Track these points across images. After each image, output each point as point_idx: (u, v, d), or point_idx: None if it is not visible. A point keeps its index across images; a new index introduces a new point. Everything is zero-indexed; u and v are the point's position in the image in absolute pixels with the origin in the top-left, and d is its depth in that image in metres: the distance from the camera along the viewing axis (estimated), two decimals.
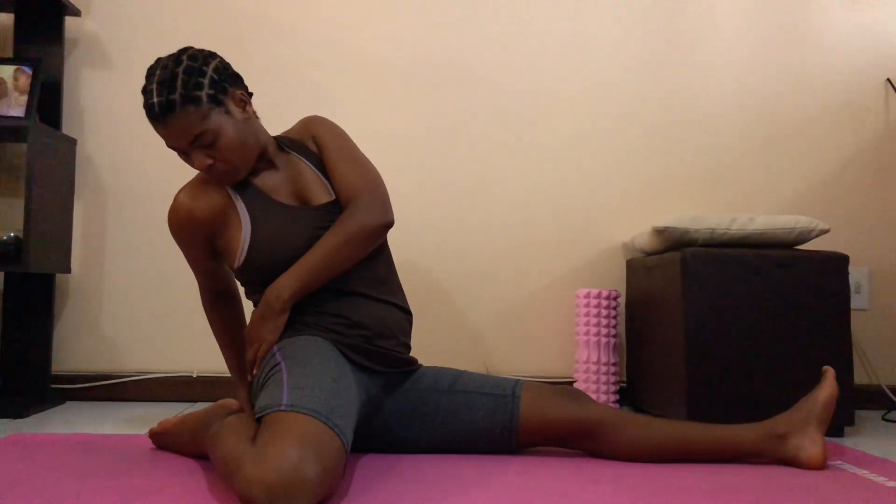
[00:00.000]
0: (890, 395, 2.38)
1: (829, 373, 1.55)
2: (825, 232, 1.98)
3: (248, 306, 2.13)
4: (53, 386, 2.30)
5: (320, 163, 1.60)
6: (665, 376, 1.99)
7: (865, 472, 1.48)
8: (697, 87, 2.48)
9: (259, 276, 1.52)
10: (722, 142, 2.47)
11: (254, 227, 1.50)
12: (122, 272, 2.36)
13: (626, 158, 2.46)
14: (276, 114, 2.35)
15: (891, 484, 1.38)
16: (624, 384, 2.37)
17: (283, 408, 1.21)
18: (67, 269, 2.26)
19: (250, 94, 1.55)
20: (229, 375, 1.99)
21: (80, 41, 2.39)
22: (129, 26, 2.39)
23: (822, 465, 1.47)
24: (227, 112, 1.46)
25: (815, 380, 1.81)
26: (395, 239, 2.38)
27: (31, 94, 2.18)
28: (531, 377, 2.38)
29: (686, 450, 1.51)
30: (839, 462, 1.57)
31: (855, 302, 2.42)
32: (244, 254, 1.50)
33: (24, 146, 2.32)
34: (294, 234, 1.50)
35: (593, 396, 2.21)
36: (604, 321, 2.24)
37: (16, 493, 1.21)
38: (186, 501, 1.18)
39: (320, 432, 1.17)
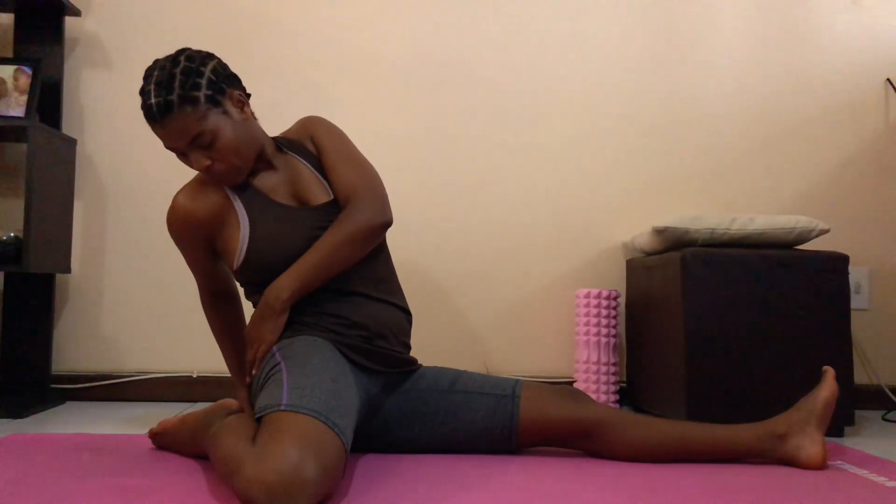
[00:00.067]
0: (890, 395, 2.38)
1: (829, 373, 1.55)
2: (825, 232, 1.98)
3: (247, 307, 2.13)
4: (53, 386, 2.30)
5: (319, 163, 1.60)
6: (665, 376, 1.99)
7: (865, 472, 1.48)
8: (697, 87, 2.48)
9: (258, 277, 1.52)
10: (722, 142, 2.47)
11: (252, 228, 1.50)
12: (122, 272, 2.36)
13: (626, 158, 2.46)
14: (276, 114, 2.35)
15: (891, 484, 1.38)
16: (624, 384, 2.37)
17: (282, 408, 1.21)
18: (67, 269, 2.26)
19: (248, 95, 1.55)
20: (229, 375, 1.99)
21: (80, 41, 2.39)
22: (129, 26, 2.40)
23: (822, 465, 1.47)
24: (225, 112, 1.46)
25: (815, 380, 1.80)
26: (395, 239, 2.38)
27: (31, 94, 2.18)
28: (531, 377, 2.38)
29: (686, 450, 1.51)
30: (839, 462, 1.57)
31: (855, 302, 2.42)
32: (243, 254, 1.50)
33: (24, 146, 2.32)
34: (293, 234, 1.50)
35: (593, 396, 2.21)
36: (604, 321, 2.24)
37: (16, 493, 1.21)
38: (186, 501, 1.18)
39: (320, 432, 1.17)
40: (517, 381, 1.59)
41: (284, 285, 1.46)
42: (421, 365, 1.65)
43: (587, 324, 2.25)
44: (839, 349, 1.87)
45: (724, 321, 1.86)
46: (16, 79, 2.19)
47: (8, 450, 1.55)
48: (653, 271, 2.11)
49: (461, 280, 2.41)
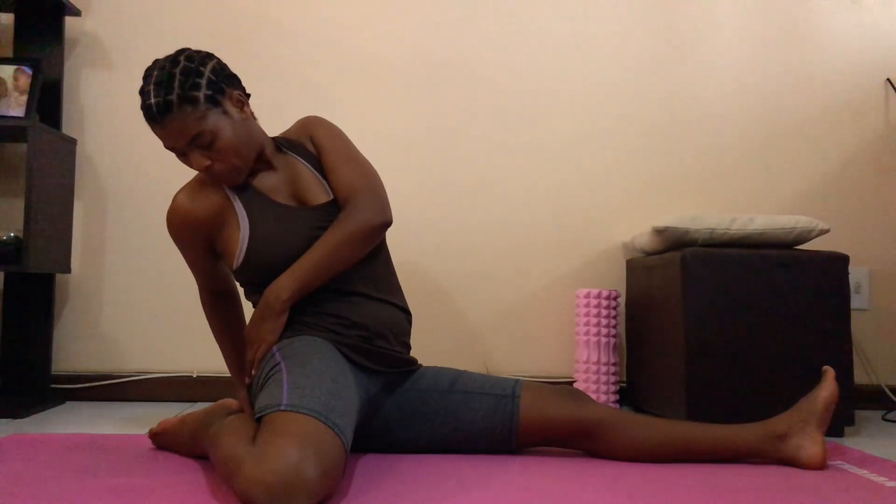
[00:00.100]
0: (890, 395, 2.38)
1: (829, 373, 1.55)
2: (825, 232, 1.98)
3: (247, 307, 2.13)
4: (53, 386, 2.30)
5: (318, 163, 1.60)
6: (665, 376, 1.99)
7: (865, 472, 1.48)
8: (697, 87, 2.48)
9: (258, 277, 1.52)
10: (722, 142, 2.47)
11: (252, 228, 1.50)
12: (122, 272, 2.36)
13: (626, 158, 2.46)
14: (276, 114, 2.35)
15: (891, 484, 1.38)
16: (624, 384, 2.37)
17: (282, 408, 1.21)
18: (67, 269, 2.26)
19: (248, 95, 1.55)
20: (229, 375, 1.99)
21: (80, 41, 2.39)
22: (129, 26, 2.39)
23: (822, 465, 1.47)
24: (225, 112, 1.46)
25: (815, 380, 1.80)
26: (395, 239, 2.38)
27: (31, 94, 2.18)
28: (531, 377, 2.38)
29: (686, 450, 1.51)
30: (839, 462, 1.57)
31: (855, 302, 2.42)
32: (243, 254, 1.50)
33: (24, 146, 2.33)
34: (292, 234, 1.50)
35: (593, 396, 2.21)
36: (604, 321, 2.24)
37: (16, 493, 1.21)
38: (186, 501, 1.18)
39: (320, 432, 1.17)
40: (517, 381, 1.59)
41: (284, 285, 1.46)
42: (421, 365, 1.65)
43: (587, 324, 2.25)
44: (839, 349, 1.87)
45: (724, 321, 1.86)
46: (16, 79, 2.19)
47: (8, 450, 1.55)
48: (653, 271, 2.11)
49: (461, 280, 2.41)
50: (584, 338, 2.25)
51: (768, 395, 1.84)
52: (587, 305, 2.26)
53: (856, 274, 2.44)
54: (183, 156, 1.48)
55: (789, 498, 1.26)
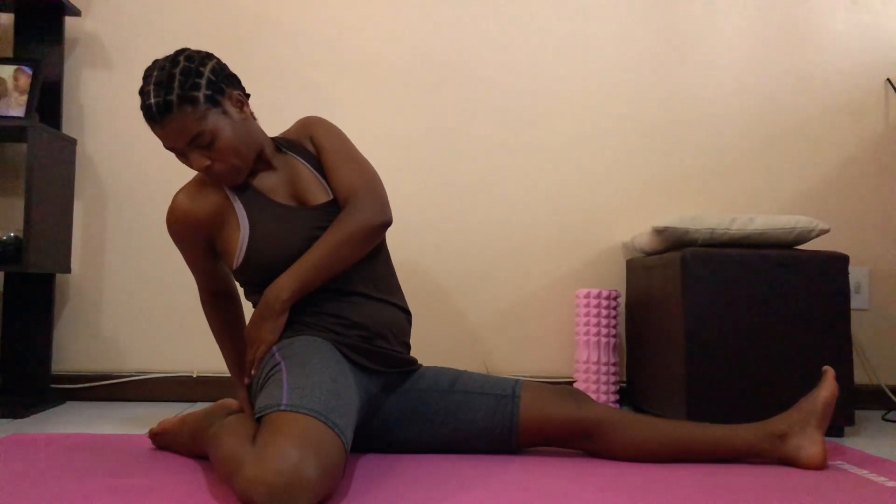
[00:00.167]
0: (890, 395, 2.38)
1: (829, 373, 1.55)
2: (825, 232, 1.98)
3: (247, 307, 2.13)
4: (53, 386, 2.30)
5: (318, 163, 1.60)
6: (665, 376, 1.99)
7: (865, 472, 1.48)
8: (697, 87, 2.48)
9: (258, 277, 1.52)
10: (722, 142, 2.47)
11: (252, 228, 1.50)
12: (122, 272, 2.36)
13: (626, 158, 2.46)
14: (276, 114, 2.35)
15: (891, 484, 1.38)
16: (624, 384, 2.37)
17: (282, 408, 1.21)
18: (67, 269, 2.26)
19: (248, 95, 1.55)
20: (229, 375, 1.99)
21: (80, 41, 2.39)
22: (129, 26, 2.40)
23: (822, 465, 1.47)
24: (225, 112, 1.46)
25: (815, 380, 1.80)
26: (394, 239, 2.38)
27: (31, 94, 2.18)
28: (531, 377, 2.38)
29: (686, 450, 1.51)
30: (839, 462, 1.57)
31: (855, 302, 2.42)
32: (242, 254, 1.50)
33: (24, 146, 2.33)
34: (292, 234, 1.50)
35: (593, 396, 2.21)
36: (604, 321, 2.24)
37: (16, 493, 1.21)
38: (186, 501, 1.18)
39: (320, 432, 1.17)
40: (517, 381, 1.59)
41: (284, 285, 1.46)
42: (421, 365, 1.65)
43: (587, 324, 2.25)
44: (839, 349, 1.87)
45: (724, 321, 1.86)
46: (16, 79, 2.19)
47: (8, 450, 1.55)
48: (653, 271, 2.11)
49: (461, 280, 2.41)
50: (584, 338, 2.25)
51: (768, 395, 1.84)
52: (587, 305, 2.26)
53: (856, 274, 2.44)
54: (183, 156, 1.48)
55: (789, 498, 1.26)
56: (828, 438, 1.81)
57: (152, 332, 2.35)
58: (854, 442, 1.84)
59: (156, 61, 1.45)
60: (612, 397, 2.24)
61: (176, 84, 1.39)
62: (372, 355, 1.52)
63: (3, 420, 1.97)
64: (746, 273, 1.88)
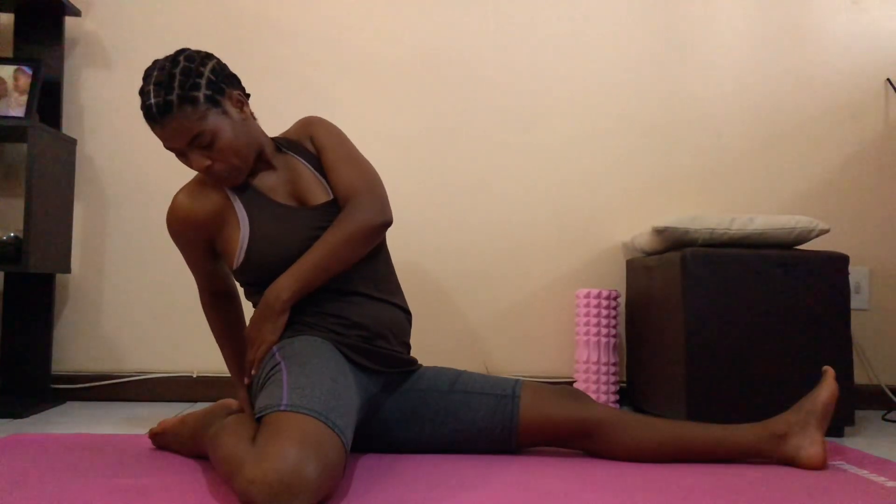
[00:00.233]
0: (890, 395, 2.38)
1: (829, 373, 1.55)
2: (825, 232, 1.98)
3: (247, 307, 2.13)
4: (53, 386, 2.30)
5: (318, 163, 1.60)
6: (665, 376, 1.99)
7: (865, 472, 1.48)
8: (697, 87, 2.48)
9: (258, 277, 1.52)
10: (722, 142, 2.47)
11: (252, 228, 1.50)
12: (122, 272, 2.36)
13: (626, 158, 2.46)
14: (276, 114, 2.35)
15: (891, 484, 1.38)
16: (624, 384, 2.37)
17: (282, 408, 1.21)
18: (67, 269, 2.26)
19: (248, 95, 1.55)
20: (229, 375, 1.99)
21: (80, 41, 2.39)
22: (129, 26, 2.39)
23: (822, 465, 1.47)
24: (225, 113, 1.46)
25: (815, 380, 1.80)
26: (394, 239, 2.38)
27: (31, 94, 2.18)
28: (531, 377, 2.38)
29: (686, 450, 1.51)
30: (839, 462, 1.57)
31: (855, 302, 2.42)
32: (243, 254, 1.50)
33: (24, 146, 2.32)
34: (292, 234, 1.50)
35: (593, 396, 2.21)
36: (604, 321, 2.24)
37: (16, 493, 1.21)
38: (186, 501, 1.18)
39: (320, 432, 1.17)
40: (517, 381, 1.59)
41: (284, 285, 1.46)
42: (421, 365, 1.65)
43: (587, 324, 2.25)
44: (839, 349, 1.87)
45: (724, 321, 1.86)
46: (16, 79, 2.19)
47: (8, 450, 1.55)
48: (653, 271, 2.11)
49: (461, 280, 2.41)
50: (584, 338, 2.25)
51: (768, 395, 1.84)
52: (587, 305, 2.26)
53: (856, 274, 2.44)
54: (183, 156, 1.48)
55: (789, 498, 1.26)
56: (828, 438, 1.81)
57: (152, 332, 2.35)
58: (854, 442, 1.84)
59: (156, 61, 1.45)
60: (612, 397, 2.24)
61: (176, 84, 1.39)
62: (372, 355, 1.52)
63: (3, 420, 1.97)
64: (746, 273, 1.88)
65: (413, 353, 2.30)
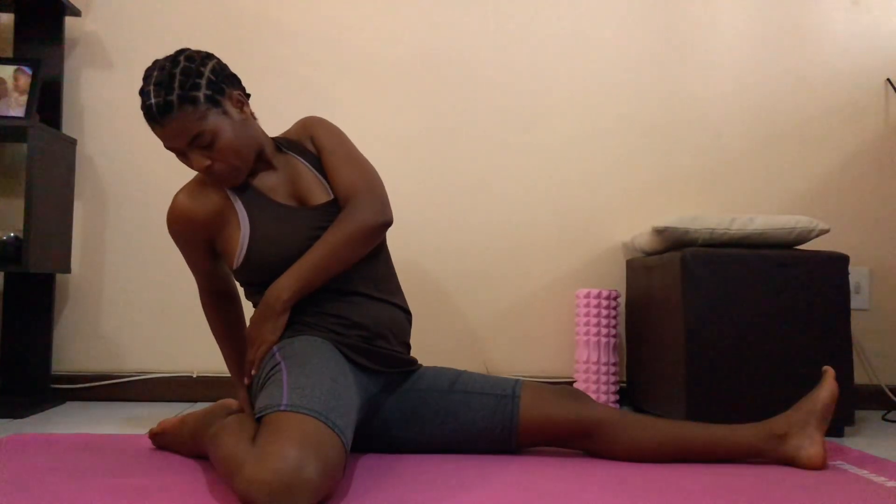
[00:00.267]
0: (890, 395, 2.38)
1: (829, 373, 1.55)
2: (825, 232, 1.98)
3: (247, 307, 2.13)
4: (53, 386, 2.30)
5: (318, 163, 1.60)
6: (665, 376, 1.99)
7: (865, 472, 1.48)
8: (697, 87, 2.48)
9: (258, 277, 1.52)
10: (722, 142, 2.47)
11: (252, 228, 1.50)
12: (122, 272, 2.36)
13: (626, 158, 2.46)
14: (276, 114, 2.35)
15: (891, 484, 1.38)
16: (624, 384, 2.37)
17: (282, 408, 1.21)
18: (67, 269, 2.26)
19: (248, 95, 1.55)
20: (229, 375, 1.99)
21: (80, 41, 2.39)
22: (129, 26, 2.39)
23: (822, 465, 1.47)
24: (225, 113, 1.46)
25: (815, 380, 1.80)
26: (394, 239, 2.38)
27: (31, 94, 2.18)
28: (531, 377, 2.38)
29: (686, 450, 1.51)
30: (839, 462, 1.57)
31: (855, 302, 2.42)
32: (243, 254, 1.50)
33: (24, 146, 2.32)
34: (293, 234, 1.50)
35: (593, 396, 2.21)
36: (604, 321, 2.24)
37: (16, 493, 1.21)
38: (186, 501, 1.18)
39: (320, 432, 1.17)
40: (517, 381, 1.59)
41: (285, 285, 1.46)
42: (421, 365, 1.65)
43: (587, 324, 2.25)
44: (839, 349, 1.87)
45: (724, 321, 1.86)
46: (16, 79, 2.19)
47: (8, 450, 1.55)
48: (653, 271, 2.11)
49: (461, 280, 2.41)
50: (584, 338, 2.25)
51: (768, 395, 1.84)
52: (587, 305, 2.26)
53: (856, 274, 2.44)
54: (183, 156, 1.48)
55: (789, 498, 1.26)
56: (828, 438, 1.81)
57: (152, 332, 2.35)
58: (854, 442, 1.84)
59: (156, 61, 1.45)
60: (612, 397, 2.24)
61: (176, 84, 1.39)
62: (372, 355, 1.52)
63: (3, 420, 1.97)
64: (746, 273, 1.88)
65: (413, 353, 2.30)
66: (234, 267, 1.53)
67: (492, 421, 1.54)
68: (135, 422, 1.98)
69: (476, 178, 2.43)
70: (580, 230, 2.43)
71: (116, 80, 2.39)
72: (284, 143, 1.63)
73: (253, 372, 1.46)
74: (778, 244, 1.97)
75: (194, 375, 2.33)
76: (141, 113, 2.36)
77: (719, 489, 1.31)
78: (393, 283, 1.62)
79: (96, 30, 2.39)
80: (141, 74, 2.34)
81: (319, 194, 1.56)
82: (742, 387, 1.85)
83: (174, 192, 2.27)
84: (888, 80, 2.50)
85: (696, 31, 2.49)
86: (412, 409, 1.57)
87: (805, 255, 1.90)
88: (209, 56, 1.48)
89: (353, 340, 1.50)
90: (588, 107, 2.46)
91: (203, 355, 2.33)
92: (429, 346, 2.38)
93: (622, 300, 2.40)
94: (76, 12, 2.31)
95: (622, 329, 2.39)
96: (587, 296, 2.26)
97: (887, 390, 2.39)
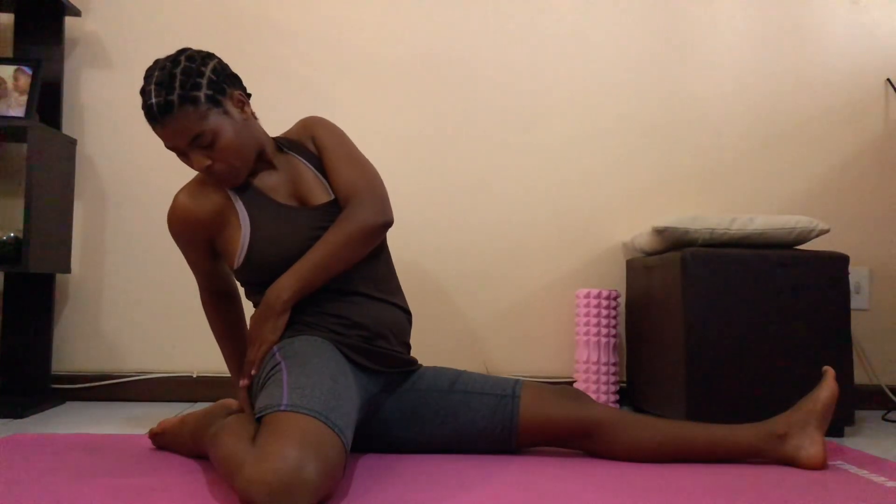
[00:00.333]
0: (890, 395, 2.38)
1: (829, 373, 1.55)
2: (825, 232, 1.98)
3: (248, 307, 2.13)
4: (53, 386, 2.30)
5: (319, 163, 1.60)
6: (665, 376, 1.99)
7: (865, 472, 1.48)
8: (697, 87, 2.48)
9: (258, 277, 1.52)
10: (722, 142, 2.47)
11: (253, 228, 1.50)
12: (122, 272, 2.36)
13: (626, 158, 2.46)
14: (276, 114, 2.35)
15: (891, 484, 1.38)
16: (624, 384, 2.37)
17: (282, 408, 1.21)
18: (67, 269, 2.26)
19: (249, 95, 1.55)
20: (229, 375, 1.99)
21: (80, 41, 2.39)
22: (129, 26, 2.39)
23: (822, 465, 1.47)
24: (226, 112, 1.46)
25: (815, 380, 1.80)
26: (395, 239, 2.38)
27: (31, 94, 2.18)
28: (531, 377, 2.38)
29: (686, 450, 1.51)
30: (839, 462, 1.57)
31: (855, 302, 2.42)
32: (243, 254, 1.50)
33: (24, 146, 2.32)
34: (293, 234, 1.50)
35: (593, 396, 2.21)
36: (604, 321, 2.24)
37: (16, 493, 1.21)
38: (186, 501, 1.18)
39: (320, 432, 1.17)
40: (517, 381, 1.59)
41: (285, 285, 1.46)
42: (421, 365, 1.65)
43: (587, 324, 2.25)
44: (839, 349, 1.87)
45: (724, 321, 1.86)
46: (16, 79, 2.19)
47: (8, 450, 1.55)
48: (653, 271, 2.11)
49: (461, 280, 2.41)
50: (584, 338, 2.25)
51: (768, 395, 1.84)
52: (587, 305, 2.26)
53: (856, 274, 2.44)
54: (184, 156, 1.48)
55: (789, 498, 1.26)
56: (828, 438, 1.81)
57: (152, 332, 2.35)
58: (854, 442, 1.84)
59: (157, 61, 1.45)
60: (612, 397, 2.24)
61: (177, 84, 1.40)
62: (372, 355, 1.52)
63: (3, 420, 1.97)
64: (746, 273, 1.88)
65: (413, 353, 2.30)
66: (235, 267, 1.53)
67: (492, 421, 1.54)
68: (135, 422, 1.98)
69: (476, 178, 2.43)
70: (580, 230, 2.44)
71: (116, 80, 2.39)
72: (285, 143, 1.63)
73: (253, 372, 1.46)
74: (778, 244, 1.97)
75: (194, 375, 2.33)
76: (141, 113, 2.36)
77: (719, 489, 1.31)
78: (393, 283, 1.62)
79: (96, 30, 2.39)
80: (141, 74, 2.34)
81: (320, 194, 1.56)
82: (742, 387, 1.85)
83: (174, 192, 2.27)
84: (888, 80, 2.50)
85: (696, 31, 2.49)
86: (412, 409, 1.57)
87: (805, 255, 1.90)
88: (210, 56, 1.48)
89: (354, 340, 1.50)
90: (588, 107, 2.46)
91: (203, 355, 2.33)
92: (429, 346, 2.38)
93: (622, 300, 2.40)
94: (76, 12, 2.31)
95: (622, 329, 2.39)
96: (587, 296, 2.26)
97: (887, 390, 2.39)
